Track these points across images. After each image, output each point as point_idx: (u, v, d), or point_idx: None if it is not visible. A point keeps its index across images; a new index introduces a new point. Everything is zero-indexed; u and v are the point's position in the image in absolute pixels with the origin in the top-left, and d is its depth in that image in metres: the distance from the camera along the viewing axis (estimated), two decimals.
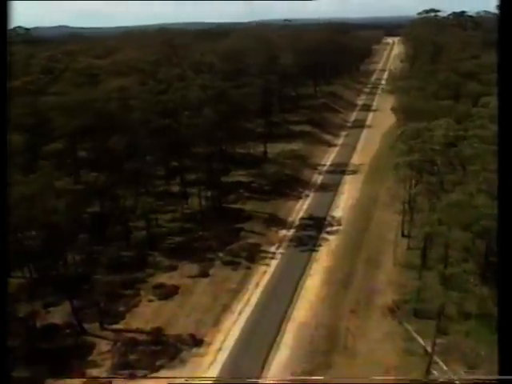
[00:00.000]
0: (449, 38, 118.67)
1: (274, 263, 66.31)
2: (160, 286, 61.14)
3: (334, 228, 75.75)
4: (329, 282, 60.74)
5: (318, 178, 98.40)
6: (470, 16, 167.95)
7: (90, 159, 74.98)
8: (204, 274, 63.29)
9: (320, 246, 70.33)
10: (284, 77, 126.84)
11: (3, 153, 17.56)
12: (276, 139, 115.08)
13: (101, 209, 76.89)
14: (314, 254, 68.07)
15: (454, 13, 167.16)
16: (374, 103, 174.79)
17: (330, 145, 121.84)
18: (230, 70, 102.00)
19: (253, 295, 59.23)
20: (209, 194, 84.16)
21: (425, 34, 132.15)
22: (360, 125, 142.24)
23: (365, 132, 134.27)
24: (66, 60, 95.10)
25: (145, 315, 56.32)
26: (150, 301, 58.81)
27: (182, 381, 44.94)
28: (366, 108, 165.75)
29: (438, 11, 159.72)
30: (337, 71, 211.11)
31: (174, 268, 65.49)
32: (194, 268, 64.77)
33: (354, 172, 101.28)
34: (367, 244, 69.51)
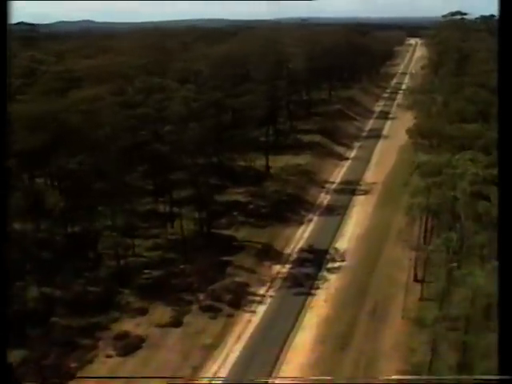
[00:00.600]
0: (476, 45, 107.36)
1: (261, 310, 56.40)
2: (123, 336, 51.52)
3: (337, 264, 65.63)
4: (323, 340, 50.66)
5: (325, 199, 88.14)
6: None
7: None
8: (177, 323, 53.57)
9: (318, 288, 60.24)
10: (294, 81, 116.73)
11: (3, 153, 16.73)
12: (282, 150, 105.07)
13: (71, 232, 68.12)
14: (309, 298, 58.03)
15: (482, 16, 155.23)
16: (393, 110, 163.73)
17: (342, 158, 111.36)
18: (231, 75, 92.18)
19: (231, 354, 49.42)
20: (200, 215, 74.56)
21: (450, 39, 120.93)
22: (376, 135, 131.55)
23: (381, 143, 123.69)
24: (49, 61, 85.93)
25: (98, 375, 46.83)
26: (108, 356, 49.25)
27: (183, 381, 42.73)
28: (384, 115, 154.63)
29: (465, 14, 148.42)
30: (355, 74, 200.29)
31: (143, 312, 55.88)
32: (166, 313, 55.14)
33: (366, 192, 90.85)
34: (373, 289, 59.20)
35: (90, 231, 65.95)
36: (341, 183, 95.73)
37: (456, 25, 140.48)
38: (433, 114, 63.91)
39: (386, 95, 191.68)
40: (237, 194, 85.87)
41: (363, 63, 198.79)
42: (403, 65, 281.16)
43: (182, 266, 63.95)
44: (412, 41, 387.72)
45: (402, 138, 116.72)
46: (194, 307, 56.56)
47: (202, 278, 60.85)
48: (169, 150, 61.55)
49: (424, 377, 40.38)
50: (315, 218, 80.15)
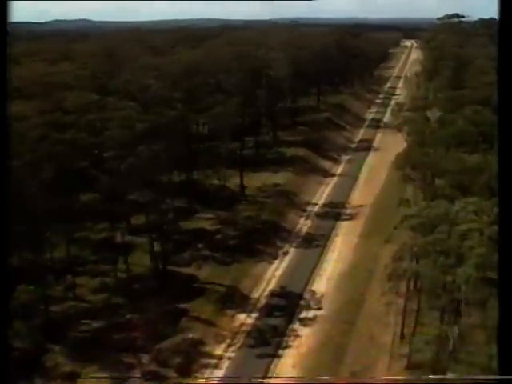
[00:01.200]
0: (475, 51, 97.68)
1: (215, 376, 46.67)
2: None
3: (311, 313, 55.87)
4: None
5: (305, 225, 78.39)
6: None
7: None
8: None
9: (286, 347, 50.45)
10: (276, 89, 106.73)
11: (3, 154, 15.24)
12: (261, 166, 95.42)
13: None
14: (275, 361, 48.28)
15: (481, 19, 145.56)
16: (386, 117, 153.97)
17: (327, 174, 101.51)
18: (201, 84, 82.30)
19: None
20: (159, 247, 64.88)
21: (446, 44, 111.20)
22: (366, 146, 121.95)
23: (371, 157, 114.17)
24: None
25: None
26: None
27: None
28: (376, 124, 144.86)
29: (463, 17, 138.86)
30: (347, 78, 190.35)
31: (73, 378, 46.09)
32: (100, 383, 45.36)
33: (352, 217, 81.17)
34: (351, 350, 49.45)
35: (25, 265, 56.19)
36: (324, 206, 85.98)
37: (453, 28, 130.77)
38: (426, 137, 53.92)
39: (378, 100, 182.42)
40: (204, 221, 75.96)
41: (356, 66, 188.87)
42: (398, 68, 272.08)
43: (128, 316, 54.16)
44: (408, 42, 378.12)
45: (393, 150, 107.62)
46: (136, 372, 46.82)
47: (150, 332, 51.03)
48: (112, 179, 51.62)
49: (424, 377, 38.56)
50: (291, 251, 70.40)
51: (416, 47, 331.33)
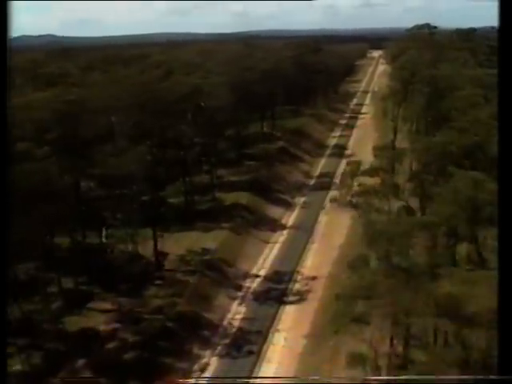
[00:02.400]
0: (456, 72, 78.90)
1: None
2: None
3: None
4: None
5: (236, 316, 58.16)
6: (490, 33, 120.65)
7: None
8: None
9: None
10: (214, 120, 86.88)
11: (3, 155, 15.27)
12: (191, 222, 75.35)
13: None
14: None
15: (457, 30, 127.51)
16: (351, 142, 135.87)
17: (275, 228, 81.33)
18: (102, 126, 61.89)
19: None
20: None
21: (417, 62, 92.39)
22: (327, 183, 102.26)
23: (332, 195, 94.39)
24: None
25: None
26: None
27: None
28: (339, 151, 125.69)
29: (435, 27, 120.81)
30: (309, 96, 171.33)
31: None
32: None
33: (300, 298, 61.28)
34: None
35: None
36: (266, 279, 65.88)
37: (425, 42, 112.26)
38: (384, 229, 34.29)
39: (343, 121, 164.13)
40: (98, 315, 55.25)
41: (318, 82, 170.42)
42: (365, 81, 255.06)
43: None
44: (375, 53, 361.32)
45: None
46: None
47: None
48: None
49: (424, 377, 32.85)
50: (214, 363, 50.08)
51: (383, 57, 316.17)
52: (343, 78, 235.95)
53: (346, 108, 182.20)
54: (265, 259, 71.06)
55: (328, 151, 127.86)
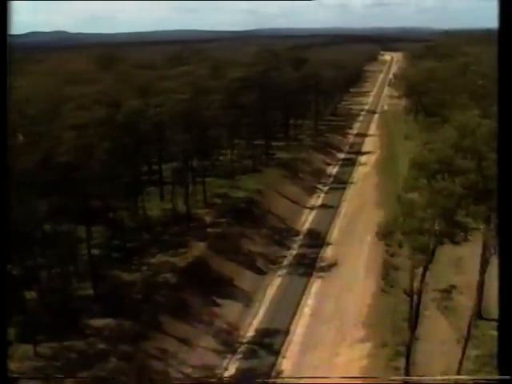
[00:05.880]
0: None
1: None
2: None
3: None
4: None
5: None
6: None
7: None
8: None
9: None
10: None
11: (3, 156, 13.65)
12: None
13: None
14: None
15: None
16: (335, 229, 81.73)
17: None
18: None
19: None
20: None
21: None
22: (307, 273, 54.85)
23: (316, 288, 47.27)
24: None
25: None
26: None
27: None
28: (318, 242, 73.57)
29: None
30: (288, 122, 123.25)
31: None
32: None
33: None
34: None
35: None
36: None
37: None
38: None
39: (332, 169, 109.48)
40: None
41: (301, 103, 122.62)
42: (372, 94, 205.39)
43: None
44: (387, 56, 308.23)
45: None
46: None
47: None
48: None
49: (424, 377, 35.96)
50: None
51: (396, 62, 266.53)
52: (347, 88, 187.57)
53: (340, 142, 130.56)
54: None
55: (312, 216, 78.69)
